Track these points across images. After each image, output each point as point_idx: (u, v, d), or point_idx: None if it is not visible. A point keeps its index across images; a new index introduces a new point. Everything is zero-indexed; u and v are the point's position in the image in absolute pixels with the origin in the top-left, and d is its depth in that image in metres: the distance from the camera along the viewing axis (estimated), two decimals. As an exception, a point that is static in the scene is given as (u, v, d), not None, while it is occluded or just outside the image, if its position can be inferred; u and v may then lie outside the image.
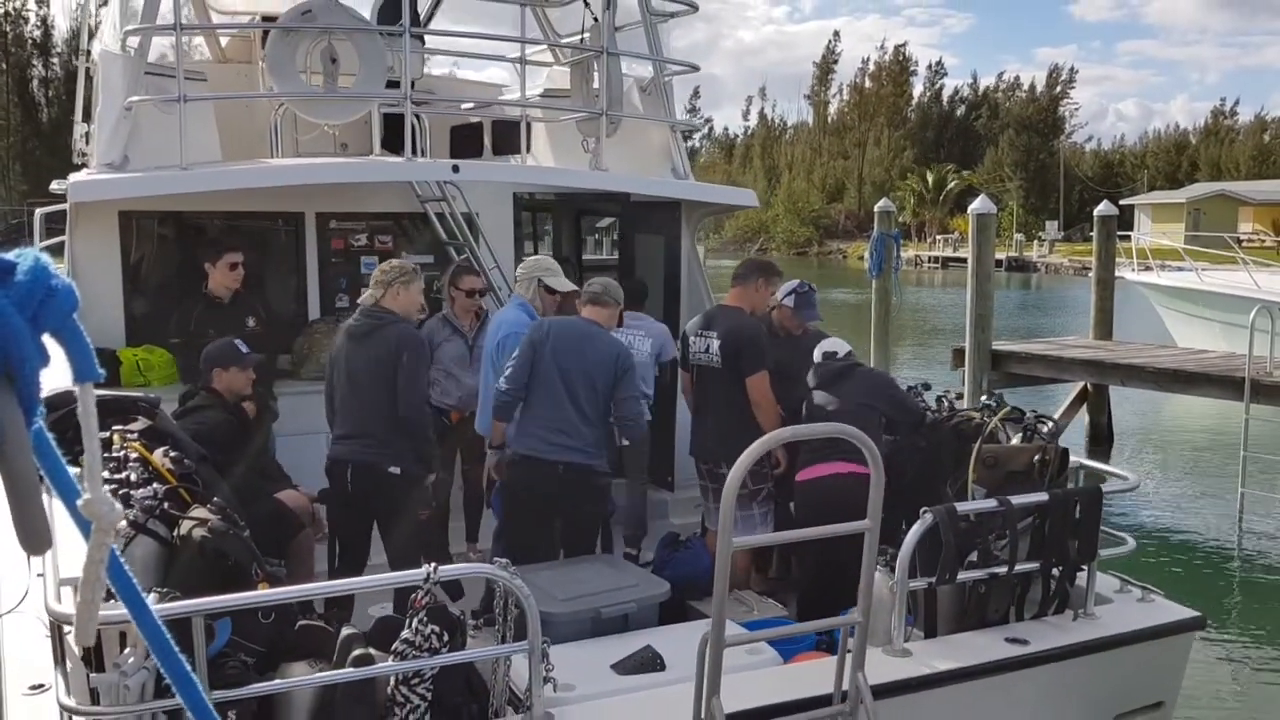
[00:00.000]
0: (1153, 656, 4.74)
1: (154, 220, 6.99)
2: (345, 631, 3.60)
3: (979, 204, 13.61)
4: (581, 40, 7.78)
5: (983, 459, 5.02)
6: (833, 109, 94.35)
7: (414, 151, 6.68)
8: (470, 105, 8.93)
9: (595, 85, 7.30)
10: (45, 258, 1.05)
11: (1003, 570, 4.42)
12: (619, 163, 7.61)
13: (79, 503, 1.12)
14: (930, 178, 79.86)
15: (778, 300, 6.13)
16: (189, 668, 1.21)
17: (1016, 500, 4.45)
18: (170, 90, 6.19)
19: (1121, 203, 39.24)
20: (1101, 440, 14.13)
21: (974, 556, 4.47)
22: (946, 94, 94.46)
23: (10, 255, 1.04)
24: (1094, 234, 15.50)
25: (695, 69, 7.87)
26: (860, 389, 5.52)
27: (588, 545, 5.34)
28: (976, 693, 4.25)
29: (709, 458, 5.83)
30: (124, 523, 3.47)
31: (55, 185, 7.72)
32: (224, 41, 9.43)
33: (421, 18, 9.26)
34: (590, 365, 5.25)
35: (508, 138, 8.05)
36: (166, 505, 3.69)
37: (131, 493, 3.60)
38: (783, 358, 5.93)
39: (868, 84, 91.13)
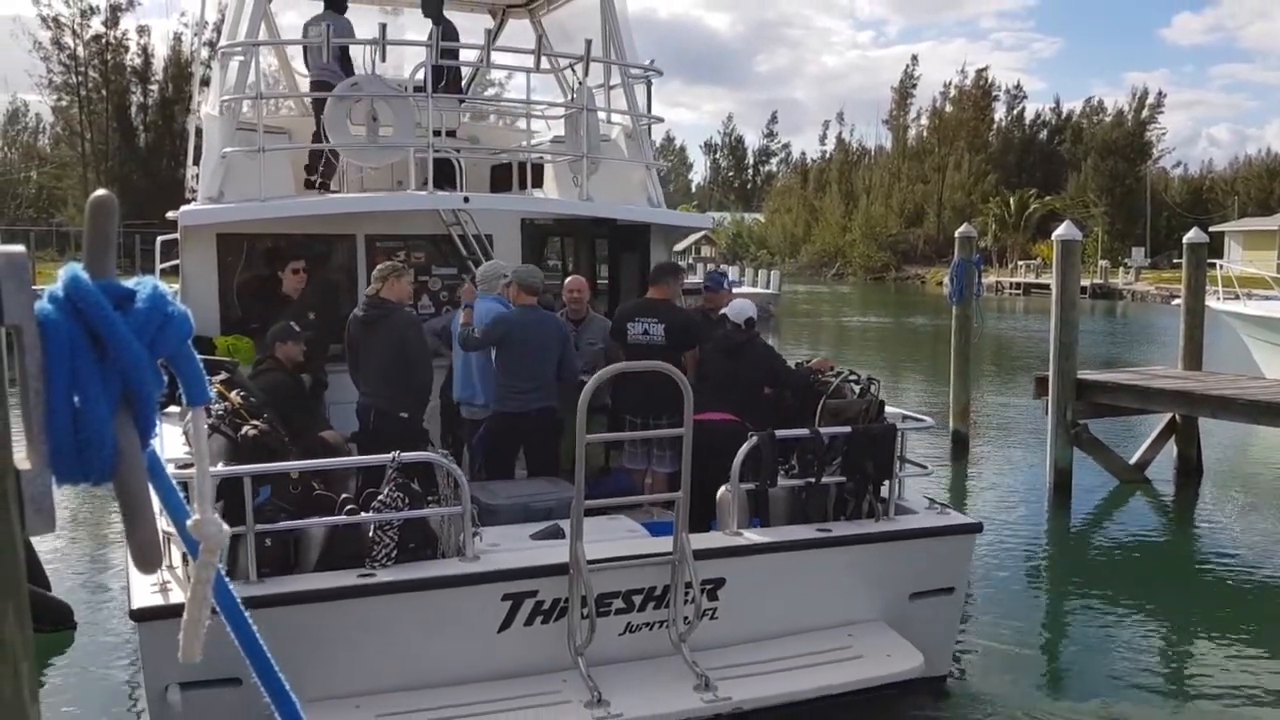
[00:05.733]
0: (939, 551, 6.47)
1: (243, 240, 9.14)
2: (342, 497, 5.60)
3: (1064, 230, 13.09)
4: (571, 99, 9.77)
5: (829, 410, 6.80)
6: (912, 134, 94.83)
7: (454, 187, 8.76)
8: (499, 151, 11.01)
9: (581, 134, 9.26)
10: (162, 285, 1.11)
11: (813, 480, 6.21)
12: (606, 194, 9.54)
13: (189, 523, 1.16)
14: (1012, 202, 79.91)
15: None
16: (278, 674, 1.28)
17: (824, 431, 6.26)
18: (254, 143, 8.36)
19: (1211, 229, 38.00)
20: (1191, 473, 13.55)
21: (797, 470, 6.29)
22: (1028, 118, 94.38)
23: (130, 283, 1.10)
24: (1183, 261, 14.88)
25: (660, 120, 9.85)
26: (753, 363, 7.33)
27: (551, 464, 7.28)
28: (785, 561, 6.05)
29: (643, 412, 7.68)
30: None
31: (170, 214, 9.94)
32: (307, 101, 11.74)
33: (464, 81, 11.40)
34: (544, 341, 7.25)
35: (525, 176, 10.14)
36: (233, 419, 5.74)
37: (210, 407, 5.65)
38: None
39: (948, 108, 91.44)
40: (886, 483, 6.50)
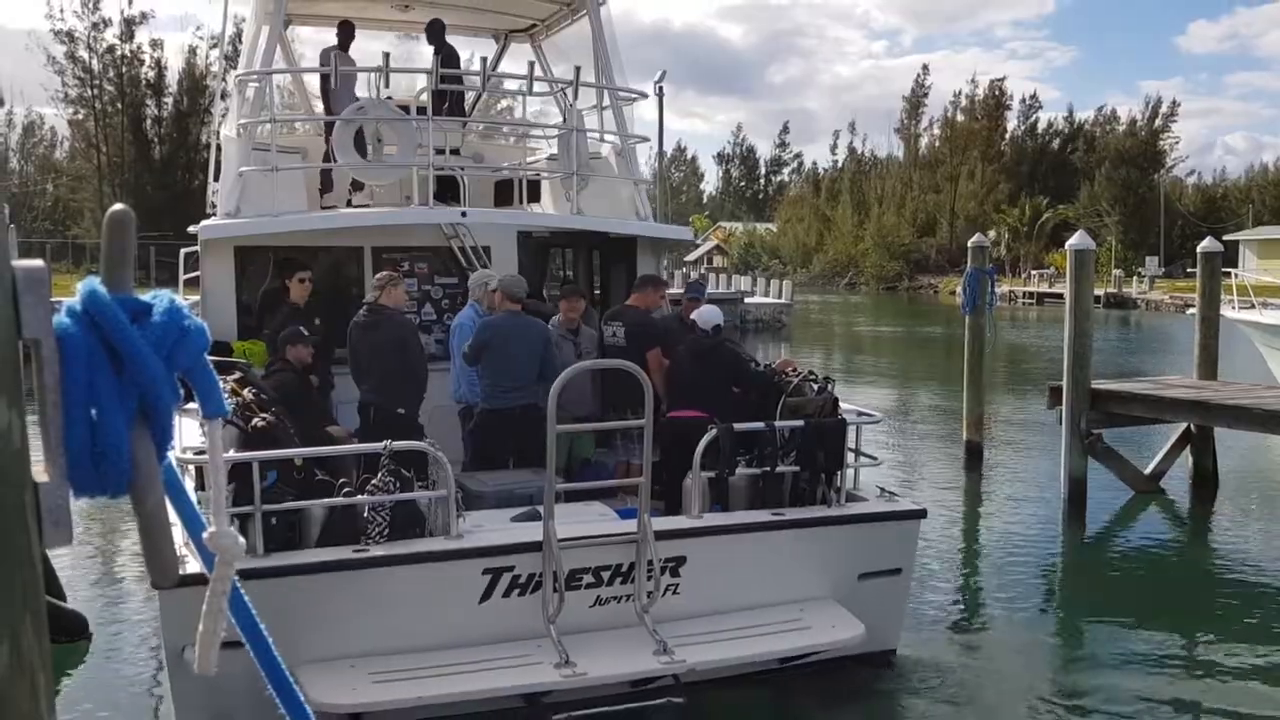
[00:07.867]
0: (887, 534, 7.08)
1: (259, 252, 9.85)
2: (340, 481, 6.28)
3: (1078, 239, 13.02)
4: (564, 120, 10.47)
5: (789, 407, 7.43)
6: (924, 143, 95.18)
7: (459, 201, 9.46)
8: (496, 168, 11.72)
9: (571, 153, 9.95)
10: (179, 299, 1.12)
11: (769, 469, 6.85)
12: (597, 209, 10.22)
13: (204, 535, 1.18)
14: (1026, 209, 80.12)
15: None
16: (284, 669, 1.34)
17: (778, 424, 6.89)
18: (269, 162, 9.08)
19: (1225, 238, 36.99)
20: (1206, 483, 13.42)
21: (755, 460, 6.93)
22: (1041, 127, 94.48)
23: (146, 297, 1.11)
24: (1197, 270, 14.81)
25: (646, 140, 10.51)
26: (720, 365, 7.97)
27: (536, 455, 7.93)
28: (742, 542, 6.68)
29: (621, 407, 8.33)
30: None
31: (191, 229, 10.67)
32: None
33: (467, 104, 12.13)
34: (528, 344, 7.91)
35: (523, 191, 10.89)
36: (244, 413, 6.43)
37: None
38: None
39: (959, 118, 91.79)
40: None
